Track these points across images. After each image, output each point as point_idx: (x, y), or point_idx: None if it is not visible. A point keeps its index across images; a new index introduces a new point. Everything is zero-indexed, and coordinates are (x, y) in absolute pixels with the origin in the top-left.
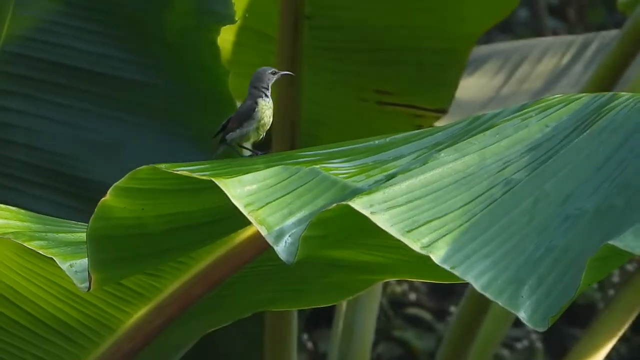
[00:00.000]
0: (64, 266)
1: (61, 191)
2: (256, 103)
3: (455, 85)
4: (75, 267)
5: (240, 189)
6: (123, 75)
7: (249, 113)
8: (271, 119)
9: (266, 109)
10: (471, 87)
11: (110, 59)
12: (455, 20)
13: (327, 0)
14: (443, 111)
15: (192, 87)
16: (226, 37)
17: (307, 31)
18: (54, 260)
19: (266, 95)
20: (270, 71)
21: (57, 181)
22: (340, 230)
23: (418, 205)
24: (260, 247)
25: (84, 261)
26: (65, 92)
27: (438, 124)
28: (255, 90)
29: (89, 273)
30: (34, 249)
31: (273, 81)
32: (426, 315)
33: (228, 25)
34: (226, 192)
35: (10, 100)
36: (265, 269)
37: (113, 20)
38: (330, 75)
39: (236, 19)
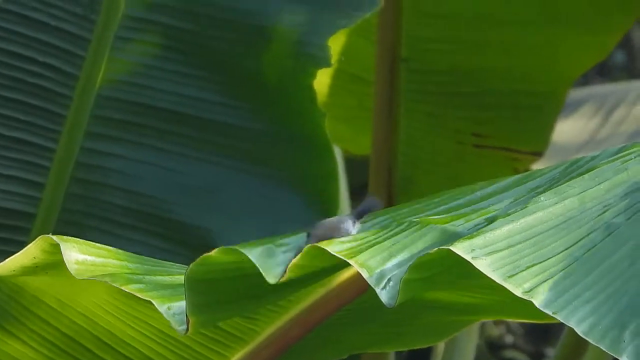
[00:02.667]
0: (162, 309)
1: (157, 234)
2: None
3: (551, 128)
4: (173, 309)
5: None
6: (219, 119)
7: None
8: None
9: None
10: (567, 129)
11: (207, 102)
12: (551, 63)
13: (424, 44)
14: (539, 154)
15: (289, 131)
16: (322, 80)
17: (404, 74)
18: (151, 303)
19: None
20: None
21: (153, 224)
22: (440, 273)
23: (519, 249)
24: (358, 289)
25: (182, 304)
26: (161, 135)
27: (534, 166)
28: None
29: (186, 316)
30: (131, 292)
31: None
32: (523, 358)
33: (324, 68)
34: None
35: (106, 144)
36: (363, 310)
37: (209, 63)
38: (427, 119)
39: (332, 62)
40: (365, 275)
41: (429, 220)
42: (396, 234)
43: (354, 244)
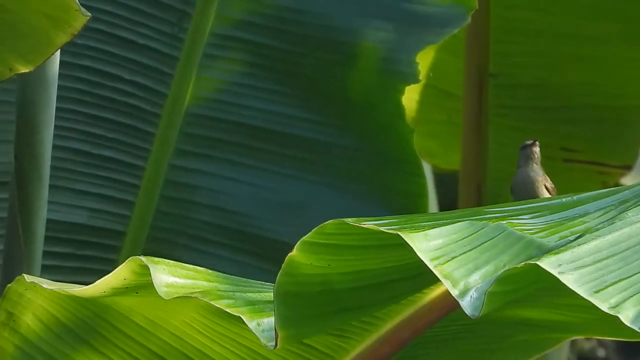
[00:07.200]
0: (252, 325)
1: (244, 251)
2: None
3: None
4: (262, 325)
5: (426, 243)
6: (306, 135)
7: None
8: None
9: None
10: None
11: (294, 118)
12: (636, 78)
13: (512, 59)
14: (629, 167)
15: (377, 146)
16: (410, 95)
17: (492, 89)
18: (238, 321)
19: None
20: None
21: (240, 241)
22: (525, 286)
23: (606, 265)
24: (447, 307)
25: (271, 320)
26: (248, 152)
27: (624, 180)
28: None
29: (275, 331)
30: (221, 307)
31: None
32: None
33: (413, 84)
34: (412, 245)
35: (193, 160)
36: (454, 328)
37: (296, 80)
38: (516, 134)
39: (420, 78)
40: (449, 286)
41: (516, 230)
42: (482, 242)
43: (440, 241)
